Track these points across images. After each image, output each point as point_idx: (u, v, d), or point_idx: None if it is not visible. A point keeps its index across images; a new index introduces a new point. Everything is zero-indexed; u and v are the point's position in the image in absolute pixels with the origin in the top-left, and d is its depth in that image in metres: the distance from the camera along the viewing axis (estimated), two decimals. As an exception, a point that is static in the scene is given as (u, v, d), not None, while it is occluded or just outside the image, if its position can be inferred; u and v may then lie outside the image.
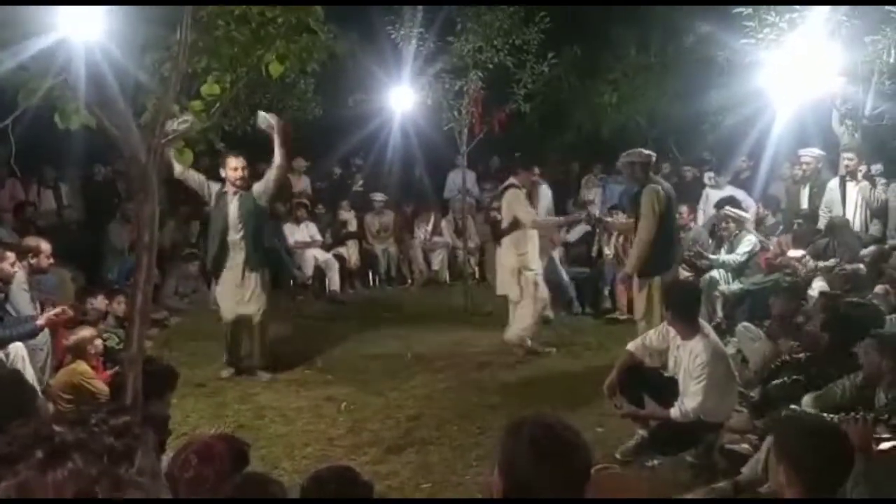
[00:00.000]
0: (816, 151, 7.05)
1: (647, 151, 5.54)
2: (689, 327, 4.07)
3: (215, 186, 5.72)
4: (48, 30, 2.00)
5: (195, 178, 5.70)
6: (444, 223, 9.74)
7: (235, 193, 5.60)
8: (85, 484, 0.85)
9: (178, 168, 5.18)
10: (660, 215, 5.23)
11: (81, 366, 4.53)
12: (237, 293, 5.68)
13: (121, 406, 1.51)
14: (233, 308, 5.72)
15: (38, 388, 4.14)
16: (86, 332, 4.66)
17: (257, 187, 5.66)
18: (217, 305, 5.96)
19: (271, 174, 5.66)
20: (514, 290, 6.20)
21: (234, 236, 5.63)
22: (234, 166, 5.57)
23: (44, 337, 4.86)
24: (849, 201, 6.57)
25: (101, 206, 8.92)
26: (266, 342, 5.91)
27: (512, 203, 6.11)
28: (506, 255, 6.19)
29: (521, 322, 6.26)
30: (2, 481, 0.83)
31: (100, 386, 4.50)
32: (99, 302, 5.71)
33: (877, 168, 6.62)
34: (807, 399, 3.88)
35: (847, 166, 6.58)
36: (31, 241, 5.52)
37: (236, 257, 5.65)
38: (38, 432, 0.87)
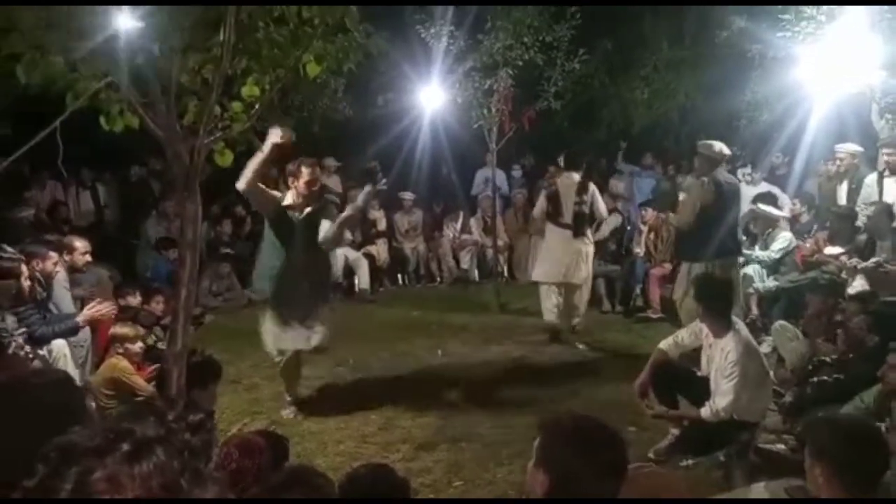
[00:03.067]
0: (853, 147, 6.90)
1: (717, 148, 5.63)
2: (721, 324, 4.02)
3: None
4: (95, 32, 2.05)
5: (267, 195, 4.72)
6: (472, 221, 9.74)
7: (304, 209, 4.73)
8: (170, 477, 0.88)
9: (242, 183, 4.45)
10: (707, 206, 5.49)
11: (122, 362, 4.63)
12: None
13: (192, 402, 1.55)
14: (302, 341, 4.82)
15: (79, 383, 4.25)
16: (129, 329, 4.76)
17: (324, 227, 4.97)
18: (275, 338, 4.85)
19: (344, 219, 5.18)
20: (581, 276, 6.68)
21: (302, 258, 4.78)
22: (308, 177, 4.72)
23: (84, 334, 4.97)
24: (887, 197, 6.42)
25: (137, 206, 9.09)
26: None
27: (594, 195, 6.72)
28: (585, 245, 6.68)
29: (583, 304, 6.84)
30: (90, 473, 0.86)
31: (140, 382, 4.60)
32: (132, 300, 5.79)
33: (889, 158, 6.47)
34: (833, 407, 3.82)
35: (887, 161, 6.42)
36: (67, 239, 5.66)
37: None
38: (121, 427, 0.90)
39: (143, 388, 4.65)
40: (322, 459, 4.23)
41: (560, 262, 6.59)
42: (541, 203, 6.84)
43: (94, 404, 4.45)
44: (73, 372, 4.58)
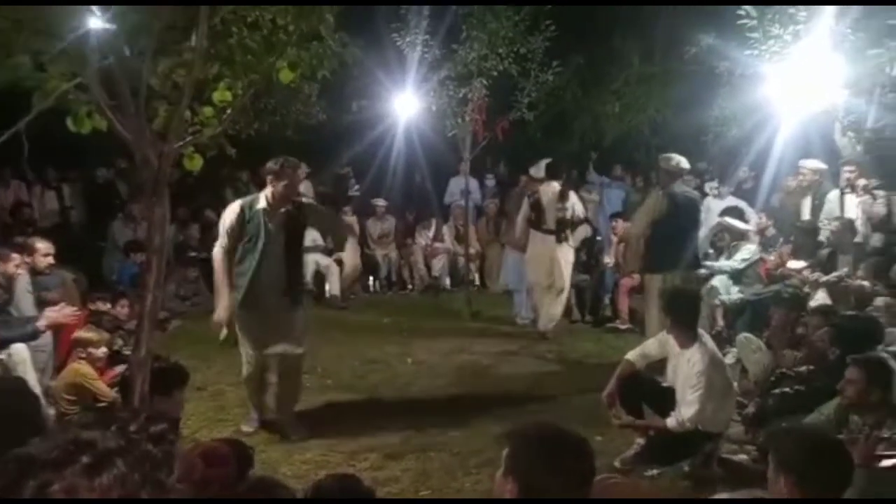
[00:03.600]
0: (816, 163, 7.07)
1: (675, 161, 5.80)
2: (687, 336, 4.08)
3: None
4: (64, 33, 2.02)
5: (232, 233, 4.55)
6: (444, 229, 9.77)
7: (278, 212, 4.50)
8: (130, 489, 0.86)
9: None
10: (654, 218, 5.74)
11: (84, 367, 4.55)
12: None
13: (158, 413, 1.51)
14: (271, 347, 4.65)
15: (38, 388, 4.15)
16: (92, 334, 4.67)
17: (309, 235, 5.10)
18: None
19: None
20: (564, 280, 6.98)
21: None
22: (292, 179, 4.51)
23: (46, 338, 4.87)
24: (848, 212, 6.59)
25: (104, 208, 8.94)
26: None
27: (575, 202, 7.10)
28: (566, 250, 7.00)
29: (558, 307, 7.04)
30: (49, 486, 0.84)
31: (102, 388, 4.52)
32: (102, 305, 5.70)
33: (873, 182, 6.65)
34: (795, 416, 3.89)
35: (847, 179, 6.60)
36: (29, 240, 5.53)
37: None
38: (80, 438, 0.88)
39: (105, 394, 4.57)
40: (287, 468, 4.18)
41: (543, 266, 6.91)
42: (524, 210, 7.09)
43: (54, 410, 4.36)
44: (34, 376, 4.48)
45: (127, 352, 4.68)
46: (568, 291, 7.18)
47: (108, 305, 5.61)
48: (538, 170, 7.15)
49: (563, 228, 6.90)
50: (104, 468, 0.85)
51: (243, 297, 4.45)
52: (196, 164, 2.46)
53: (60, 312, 4.69)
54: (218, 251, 4.54)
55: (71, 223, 8.77)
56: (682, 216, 5.75)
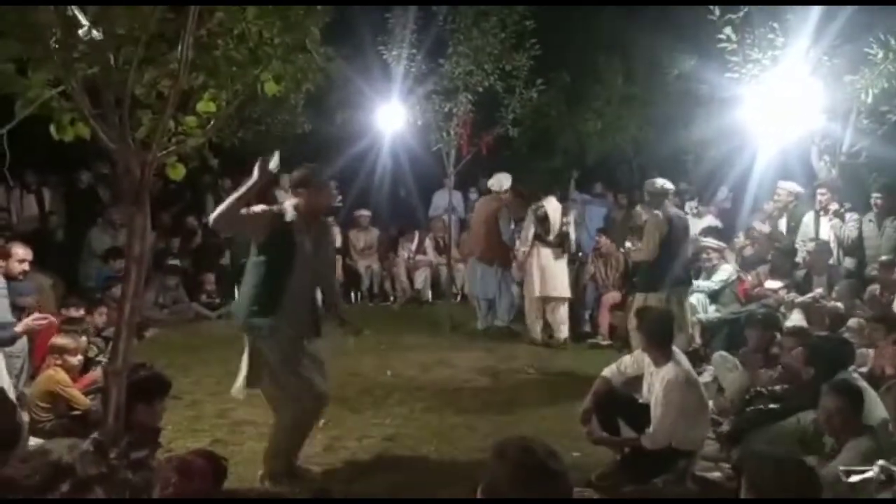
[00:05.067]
0: (792, 185, 7.20)
1: (660, 184, 6.08)
2: (661, 354, 4.12)
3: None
4: (48, 41, 2.02)
5: (258, 215, 3.81)
6: (427, 242, 9.79)
7: (311, 227, 3.98)
8: None
9: (221, 219, 3.71)
10: (659, 241, 5.90)
11: (59, 374, 4.49)
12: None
13: (144, 438, 1.48)
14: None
15: (13, 394, 4.10)
16: (69, 341, 4.62)
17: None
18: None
19: None
20: (566, 289, 7.44)
21: None
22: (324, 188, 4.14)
23: (20, 344, 4.82)
24: (822, 236, 6.71)
25: (84, 213, 8.85)
26: None
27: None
28: (565, 260, 7.51)
29: (564, 317, 7.44)
30: None
31: (78, 396, 4.47)
32: (75, 312, 5.62)
33: (846, 205, 6.79)
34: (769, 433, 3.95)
35: (820, 201, 6.74)
36: (6, 245, 5.47)
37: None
38: (61, 464, 0.88)
39: (80, 402, 4.51)
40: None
41: (551, 277, 7.35)
42: (529, 224, 7.49)
43: (28, 417, 4.30)
44: (8, 382, 4.42)
45: (103, 359, 4.64)
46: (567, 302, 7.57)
47: (82, 312, 5.55)
48: (500, 182, 7.63)
49: (565, 241, 7.49)
50: (83, 495, 0.85)
51: (281, 319, 3.82)
52: (178, 173, 2.46)
53: (39, 321, 4.64)
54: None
55: (51, 228, 8.67)
56: (678, 236, 6.00)
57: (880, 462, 2.92)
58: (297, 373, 3.88)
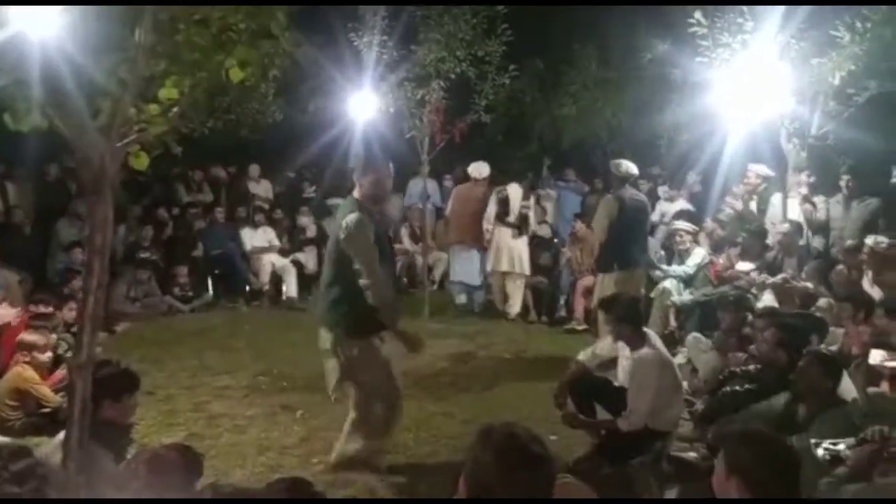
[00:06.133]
0: (761, 169, 7.28)
1: (624, 167, 6.21)
2: (634, 337, 4.16)
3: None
4: (1, 26, 1.95)
5: None
6: (402, 230, 9.75)
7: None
8: None
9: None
10: (612, 220, 6.09)
11: (27, 371, 4.42)
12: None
13: (20, 448, 1.43)
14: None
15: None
16: (38, 337, 4.53)
17: None
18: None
19: None
20: (525, 267, 7.94)
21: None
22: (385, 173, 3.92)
23: (-13, 341, 4.71)
24: (791, 217, 6.81)
25: (52, 207, 8.65)
26: None
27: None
28: (524, 241, 8.00)
29: (520, 292, 8.00)
30: None
31: (46, 393, 4.40)
32: (44, 308, 5.51)
33: (810, 181, 6.92)
34: (743, 413, 4.01)
35: (808, 184, 6.87)
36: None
37: None
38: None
39: (49, 399, 4.44)
40: (241, 472, 4.13)
41: (507, 256, 7.83)
42: (492, 206, 7.95)
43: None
44: (-27, 382, 4.33)
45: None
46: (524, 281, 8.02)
47: (51, 308, 5.44)
48: (479, 169, 8.14)
49: (524, 223, 7.93)
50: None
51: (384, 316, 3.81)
52: (142, 162, 2.40)
53: (3, 315, 4.55)
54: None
55: (14, 223, 8.46)
56: (630, 218, 6.12)
57: (875, 427, 2.93)
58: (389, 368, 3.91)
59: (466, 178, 8.58)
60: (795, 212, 6.83)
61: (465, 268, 8.29)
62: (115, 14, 2.12)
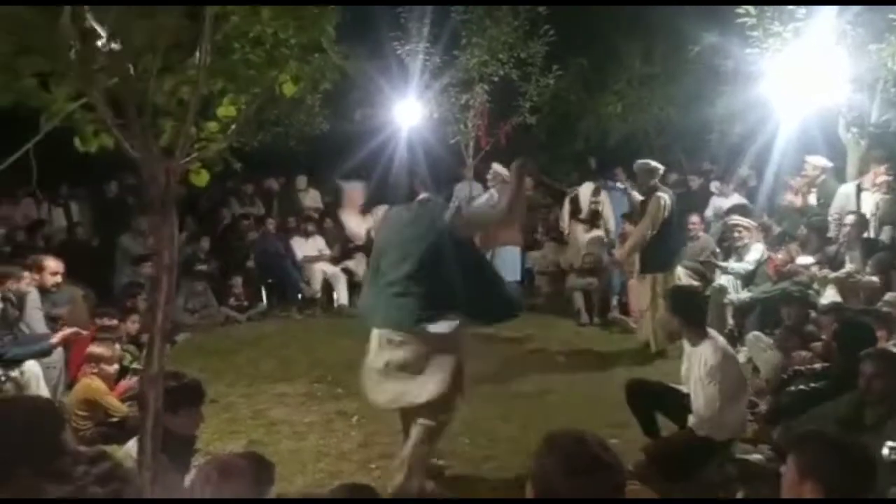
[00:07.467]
0: (819, 160, 7.04)
1: (653, 163, 6.38)
2: (696, 333, 4.07)
3: None
4: (69, 54, 2.04)
5: None
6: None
7: None
8: None
9: None
10: (662, 220, 6.24)
11: (96, 382, 4.57)
12: None
13: (100, 453, 1.49)
14: None
15: (52, 405, 4.18)
16: (105, 349, 4.69)
17: None
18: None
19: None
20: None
21: None
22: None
23: (57, 354, 4.90)
24: (864, 209, 6.53)
25: (113, 223, 8.97)
26: None
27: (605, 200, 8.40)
28: (594, 234, 8.16)
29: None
30: None
31: (115, 403, 4.54)
32: (108, 321, 5.68)
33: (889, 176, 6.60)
34: (810, 413, 3.87)
35: (876, 173, 6.59)
36: (39, 258, 5.56)
37: None
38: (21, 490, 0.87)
39: (117, 409, 4.59)
40: (302, 478, 4.19)
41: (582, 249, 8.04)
42: (565, 206, 8.36)
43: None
44: (45, 393, 4.51)
45: (138, 367, 4.71)
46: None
47: (115, 321, 5.63)
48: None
49: (595, 218, 8.16)
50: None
51: None
52: (203, 179, 2.48)
53: (74, 333, 4.72)
54: None
55: (78, 239, 8.80)
56: (674, 216, 6.32)
57: None
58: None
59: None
60: (869, 204, 6.53)
61: (507, 265, 8.27)
62: (175, 37, 2.20)
